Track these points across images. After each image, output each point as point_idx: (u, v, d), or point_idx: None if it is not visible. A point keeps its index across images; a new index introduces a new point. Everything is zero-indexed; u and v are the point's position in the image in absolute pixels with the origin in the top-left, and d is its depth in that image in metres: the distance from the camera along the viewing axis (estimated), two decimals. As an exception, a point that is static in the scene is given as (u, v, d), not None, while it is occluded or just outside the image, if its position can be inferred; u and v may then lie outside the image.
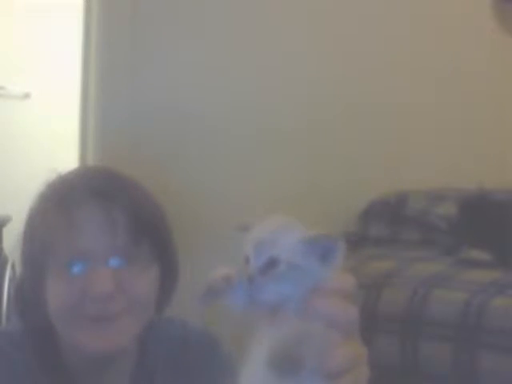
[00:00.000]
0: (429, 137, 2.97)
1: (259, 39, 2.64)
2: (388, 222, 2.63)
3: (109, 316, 1.02)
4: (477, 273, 2.16)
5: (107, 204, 1.03)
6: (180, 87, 2.52)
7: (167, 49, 2.52)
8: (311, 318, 0.71)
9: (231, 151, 2.61)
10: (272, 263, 0.72)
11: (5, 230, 3.91)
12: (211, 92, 2.57)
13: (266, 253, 0.73)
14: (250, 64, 2.63)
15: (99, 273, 1.01)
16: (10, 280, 4.09)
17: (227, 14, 2.58)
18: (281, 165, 2.68)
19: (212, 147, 2.57)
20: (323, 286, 0.73)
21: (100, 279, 1.00)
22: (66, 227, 1.02)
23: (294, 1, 2.72)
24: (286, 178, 2.67)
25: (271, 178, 2.65)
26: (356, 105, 2.82)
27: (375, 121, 2.86)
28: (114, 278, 1.01)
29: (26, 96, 4.34)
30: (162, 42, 2.50)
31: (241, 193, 2.60)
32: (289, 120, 2.69)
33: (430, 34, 2.97)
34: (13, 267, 4.19)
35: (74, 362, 1.09)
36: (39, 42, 4.30)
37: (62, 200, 1.04)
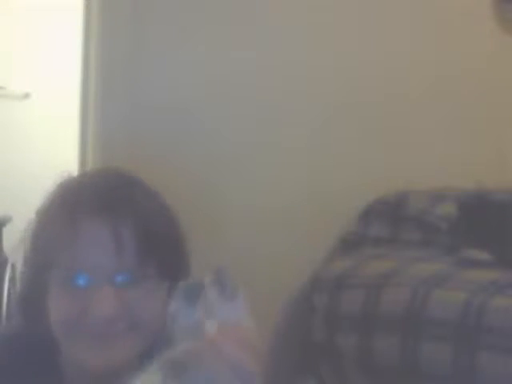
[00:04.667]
0: (429, 137, 2.97)
1: (259, 39, 2.64)
2: (388, 222, 2.62)
3: (110, 335, 0.99)
4: (477, 273, 2.16)
5: (117, 218, 1.00)
6: (180, 87, 2.52)
7: (167, 49, 2.52)
8: (216, 346, 0.79)
9: (231, 151, 2.61)
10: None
11: (5, 230, 3.91)
12: (211, 92, 2.57)
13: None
14: (250, 64, 2.63)
15: (103, 291, 0.98)
16: (10, 280, 4.09)
17: (227, 14, 2.58)
18: (281, 164, 2.68)
19: (212, 147, 2.57)
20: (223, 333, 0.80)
21: (103, 298, 0.98)
22: (73, 239, 0.99)
23: (294, 1, 2.72)
24: (287, 178, 2.67)
25: (271, 177, 2.65)
26: (356, 105, 2.82)
27: (375, 121, 2.86)
28: (118, 297, 0.98)
29: (26, 96, 4.34)
30: (162, 42, 2.50)
31: (241, 193, 2.60)
32: (289, 120, 2.69)
33: (430, 33, 2.97)
34: (13, 267, 4.19)
35: (73, 374, 1.06)
36: (39, 42, 4.30)
37: (72, 210, 1.01)
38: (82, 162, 2.52)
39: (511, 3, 3.15)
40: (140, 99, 2.47)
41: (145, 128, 2.47)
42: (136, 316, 1.00)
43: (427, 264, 2.27)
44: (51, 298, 1.01)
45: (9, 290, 4.03)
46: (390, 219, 2.62)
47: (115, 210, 1.01)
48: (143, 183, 1.08)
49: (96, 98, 2.46)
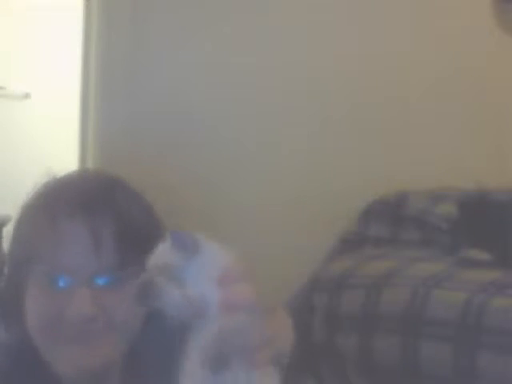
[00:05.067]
0: (429, 137, 2.97)
1: (259, 39, 2.64)
2: (388, 222, 2.62)
3: (86, 338, 0.98)
4: (477, 273, 2.16)
5: (96, 219, 0.99)
6: (180, 87, 2.52)
7: (167, 49, 2.52)
8: (227, 311, 0.80)
9: (231, 151, 2.61)
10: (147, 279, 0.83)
11: (5, 230, 3.90)
12: (211, 92, 2.57)
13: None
14: (250, 64, 2.63)
15: (81, 293, 0.97)
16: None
17: (227, 13, 2.58)
18: (281, 164, 2.68)
19: (212, 147, 2.57)
20: (219, 278, 0.81)
21: (81, 300, 0.97)
22: (53, 240, 0.99)
23: (294, 1, 2.72)
24: (287, 178, 2.67)
25: (272, 177, 2.65)
26: (356, 105, 2.82)
27: (375, 121, 2.86)
28: (96, 298, 0.97)
29: (26, 96, 4.34)
30: (162, 42, 2.50)
31: (241, 193, 2.60)
32: (289, 120, 2.69)
33: (430, 33, 2.97)
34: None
35: (62, 376, 1.04)
36: (39, 42, 4.30)
37: (51, 210, 1.00)
38: (82, 162, 2.52)
39: (511, 3, 3.15)
40: (140, 99, 2.47)
41: (145, 128, 2.47)
42: (114, 317, 0.99)
43: (427, 264, 2.27)
44: (29, 300, 1.00)
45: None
46: (390, 219, 2.62)
47: (95, 211, 1.00)
48: (125, 184, 1.07)
49: (96, 98, 2.46)
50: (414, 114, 2.95)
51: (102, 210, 1.00)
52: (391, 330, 2.08)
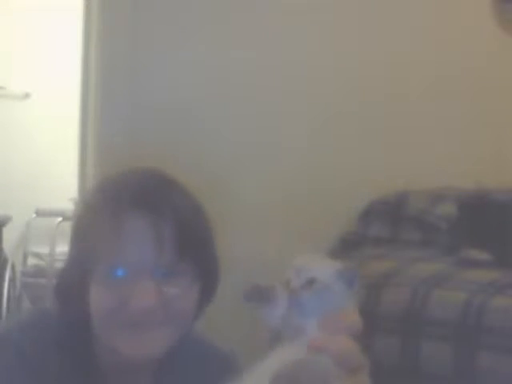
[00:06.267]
0: (428, 137, 2.97)
1: (259, 39, 2.64)
2: (388, 222, 2.62)
3: (147, 326, 1.03)
4: (477, 273, 2.16)
5: (157, 215, 1.04)
6: (180, 87, 2.52)
7: (167, 49, 2.52)
8: (321, 350, 0.80)
9: (232, 151, 2.61)
10: (311, 282, 0.86)
11: (5, 230, 3.91)
12: (211, 92, 2.57)
13: (306, 275, 0.87)
14: (250, 64, 2.63)
15: (143, 285, 1.02)
16: (10, 280, 4.09)
17: (227, 13, 2.58)
18: (281, 164, 2.68)
19: (212, 147, 2.57)
20: (339, 320, 0.83)
21: (143, 290, 1.02)
22: (115, 234, 1.03)
23: (294, 1, 2.72)
24: (287, 178, 2.67)
25: (271, 177, 2.65)
26: (356, 104, 2.82)
27: (375, 120, 2.86)
28: (156, 291, 1.03)
29: (26, 96, 4.35)
30: (162, 42, 2.50)
31: (241, 193, 2.60)
32: (289, 120, 2.69)
33: (430, 33, 2.97)
34: (13, 267, 4.19)
35: (104, 361, 1.11)
36: (39, 42, 4.31)
37: (114, 205, 1.05)
38: (82, 162, 2.52)
39: (511, 3, 3.15)
40: (140, 99, 2.47)
41: (145, 128, 2.47)
42: (172, 309, 1.04)
43: (427, 264, 2.27)
44: (93, 291, 1.05)
45: (9, 289, 4.03)
46: (390, 219, 2.63)
47: (156, 207, 1.05)
48: (180, 183, 1.15)
49: (96, 98, 2.46)
50: (413, 113, 2.95)
51: (162, 205, 1.06)
52: (391, 330, 2.08)
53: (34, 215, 4.14)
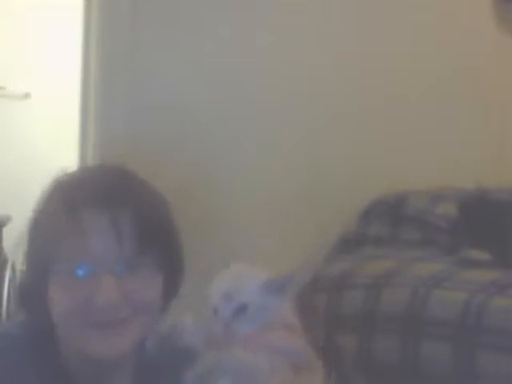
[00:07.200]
0: (428, 137, 2.97)
1: (259, 39, 2.64)
2: (388, 222, 2.62)
3: (113, 323, 1.02)
4: (477, 273, 2.16)
5: (116, 210, 1.02)
6: (180, 87, 2.52)
7: (167, 49, 2.52)
8: (257, 349, 0.82)
9: (231, 151, 2.61)
10: (242, 309, 0.85)
11: (5, 230, 3.91)
12: (211, 92, 2.57)
13: (236, 301, 0.85)
14: (251, 64, 2.63)
15: (104, 280, 1.00)
16: (10, 280, 4.09)
17: (227, 13, 2.58)
18: (281, 164, 2.68)
19: (212, 147, 2.57)
20: (272, 321, 0.84)
21: (105, 287, 1.00)
22: (74, 231, 1.01)
23: (294, 1, 2.72)
24: (287, 178, 2.67)
25: (271, 177, 2.65)
26: (355, 104, 2.82)
27: (375, 121, 2.86)
28: (118, 286, 1.01)
29: (26, 96, 4.34)
30: (162, 42, 2.50)
31: (241, 193, 2.60)
32: (289, 120, 2.69)
33: (430, 33, 2.97)
34: (13, 267, 4.19)
35: (75, 365, 1.08)
36: (39, 42, 4.30)
37: (71, 202, 1.03)
38: (82, 162, 2.52)
39: (511, 3, 3.15)
40: (140, 99, 2.47)
41: (145, 128, 2.47)
42: (136, 302, 1.03)
43: (427, 264, 2.27)
44: (53, 290, 1.03)
45: (9, 289, 4.03)
46: (390, 219, 2.62)
47: (113, 201, 1.03)
48: (139, 175, 1.11)
49: (96, 98, 2.46)
50: (413, 113, 2.95)
51: (121, 199, 1.04)
52: (391, 330, 2.08)
53: (32, 211, 4.12)
